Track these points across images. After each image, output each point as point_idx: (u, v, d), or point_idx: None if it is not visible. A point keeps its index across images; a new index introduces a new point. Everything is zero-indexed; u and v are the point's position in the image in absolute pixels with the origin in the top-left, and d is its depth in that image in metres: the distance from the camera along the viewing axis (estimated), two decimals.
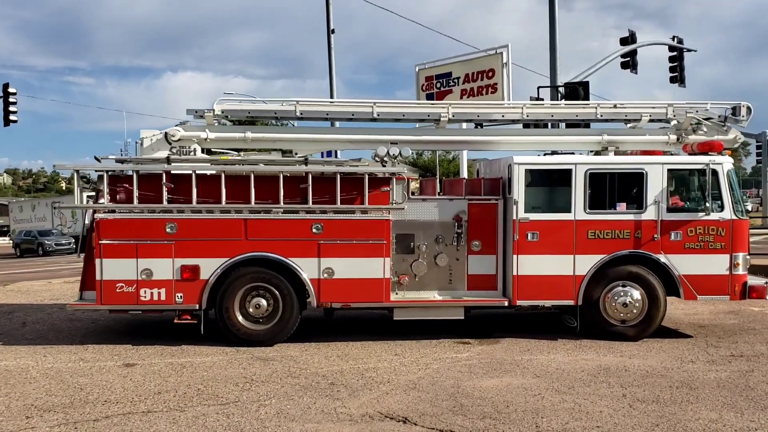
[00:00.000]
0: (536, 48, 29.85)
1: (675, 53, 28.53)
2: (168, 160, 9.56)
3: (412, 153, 10.51)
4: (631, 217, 9.91)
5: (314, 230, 9.55)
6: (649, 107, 11.05)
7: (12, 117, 32.19)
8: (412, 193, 10.57)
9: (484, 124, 11.19)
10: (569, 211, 9.89)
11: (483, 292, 10.13)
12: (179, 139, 10.23)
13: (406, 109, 10.74)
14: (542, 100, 18.85)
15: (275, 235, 9.54)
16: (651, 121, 11.07)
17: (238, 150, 11.28)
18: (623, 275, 9.98)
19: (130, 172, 9.54)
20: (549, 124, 12.26)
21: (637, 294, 9.92)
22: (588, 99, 18.38)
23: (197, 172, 9.59)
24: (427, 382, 7.79)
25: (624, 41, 26.00)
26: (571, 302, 9.95)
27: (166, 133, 10.23)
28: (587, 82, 20.65)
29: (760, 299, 10.25)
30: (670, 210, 9.99)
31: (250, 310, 9.63)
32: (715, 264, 9.96)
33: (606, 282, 9.97)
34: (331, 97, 21.35)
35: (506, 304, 9.95)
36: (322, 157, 11.82)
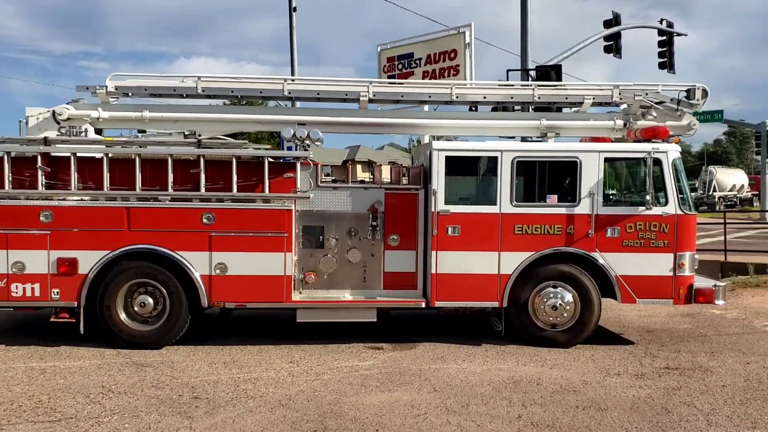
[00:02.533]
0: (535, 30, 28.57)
1: (664, 37, 27.27)
2: (45, 141, 8.57)
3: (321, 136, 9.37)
4: (562, 210, 8.88)
5: (205, 220, 8.56)
6: (593, 89, 10.01)
7: None
8: (342, 181, 9.41)
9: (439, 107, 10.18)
10: (494, 204, 8.86)
11: (401, 291, 9.12)
12: (68, 118, 9.23)
13: (320, 86, 9.70)
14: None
15: (162, 226, 8.55)
16: (597, 104, 10.03)
17: (144, 132, 10.29)
18: (554, 275, 8.96)
19: (2, 154, 8.55)
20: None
21: (568, 296, 8.91)
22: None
23: (79, 154, 8.60)
24: (304, 398, 6.82)
25: (608, 23, 24.82)
26: (495, 304, 8.95)
27: (53, 112, 9.23)
28: (560, 66, 19.51)
29: (708, 303, 9.21)
30: (606, 203, 8.97)
31: (135, 308, 8.67)
32: (657, 264, 8.93)
33: (535, 282, 8.96)
34: (293, 75, 20.32)
35: (423, 305, 8.94)
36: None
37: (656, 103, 9.85)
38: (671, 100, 9.80)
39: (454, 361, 8.27)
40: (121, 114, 9.50)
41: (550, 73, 18.58)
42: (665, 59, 27.21)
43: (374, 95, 9.62)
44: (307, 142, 8.81)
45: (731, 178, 58.23)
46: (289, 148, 9.37)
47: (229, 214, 8.59)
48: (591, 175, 8.86)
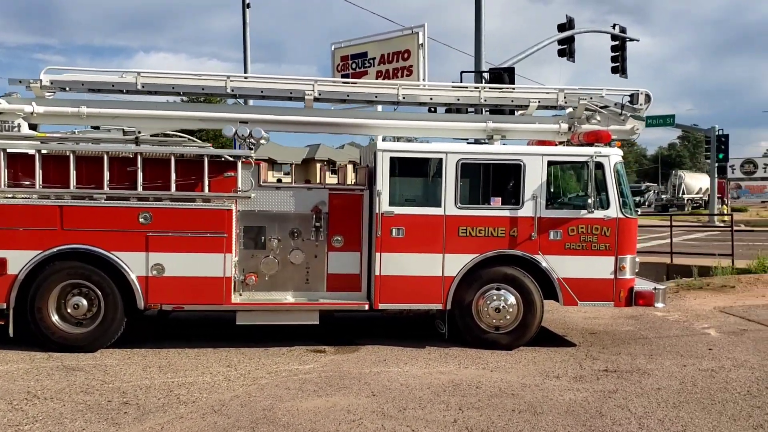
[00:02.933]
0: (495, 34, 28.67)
1: (617, 42, 27.66)
2: None
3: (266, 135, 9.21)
4: (506, 213, 8.88)
5: (141, 220, 8.32)
6: (538, 92, 10.04)
7: None
8: (279, 181, 9.34)
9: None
10: (439, 206, 8.81)
11: (345, 293, 9.01)
12: (0, 113, 8.88)
13: (264, 84, 9.52)
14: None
15: (97, 226, 8.29)
16: (543, 108, 10.05)
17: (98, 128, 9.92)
18: (498, 277, 8.95)
19: None
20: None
21: (511, 298, 8.92)
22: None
23: (9, 151, 8.28)
24: (238, 403, 6.66)
25: (561, 27, 25.08)
26: (439, 306, 8.90)
27: None
28: (512, 68, 19.59)
29: (648, 306, 9.30)
30: (549, 206, 8.99)
31: (69, 310, 8.39)
32: (599, 267, 8.99)
33: (479, 284, 8.94)
34: (245, 72, 20.04)
35: (366, 308, 8.84)
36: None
37: (601, 107, 9.95)
38: (615, 104, 9.90)
39: (396, 364, 8.19)
40: (57, 109, 9.17)
41: (503, 75, 18.60)
42: (618, 63, 27.57)
43: (320, 94, 9.47)
44: (252, 140, 8.65)
45: (698, 182, 61.38)
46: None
47: (167, 213, 8.38)
48: (534, 178, 8.88)
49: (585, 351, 9.04)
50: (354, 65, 18.29)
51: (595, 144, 9.08)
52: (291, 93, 9.53)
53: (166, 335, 9.42)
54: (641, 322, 11.08)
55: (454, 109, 10.98)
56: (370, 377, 7.59)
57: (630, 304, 9.11)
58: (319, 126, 9.70)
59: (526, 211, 8.86)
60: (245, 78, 9.60)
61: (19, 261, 8.18)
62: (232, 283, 8.59)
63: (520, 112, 10.24)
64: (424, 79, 16.94)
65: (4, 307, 8.22)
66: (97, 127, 10.01)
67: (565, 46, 25.19)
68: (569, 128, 9.77)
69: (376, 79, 17.58)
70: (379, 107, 10.72)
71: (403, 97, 9.65)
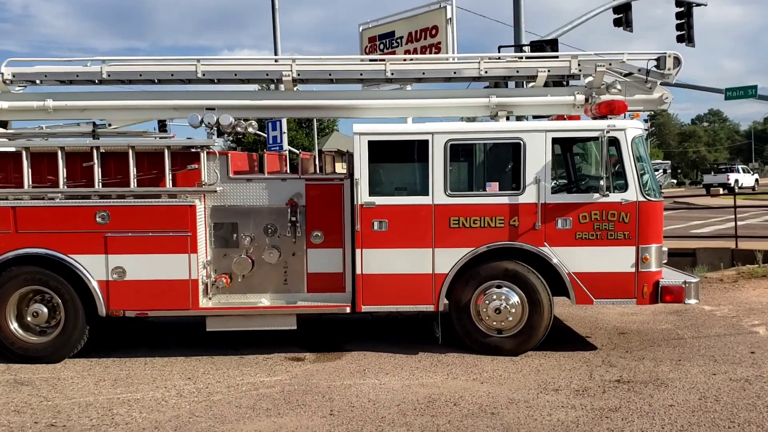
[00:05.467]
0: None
1: (682, 9, 25.54)
2: None
3: (254, 123, 8.43)
4: (505, 200, 7.75)
5: (99, 219, 7.66)
6: (548, 61, 8.82)
7: None
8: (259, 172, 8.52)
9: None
10: (426, 194, 7.77)
11: (327, 294, 8.10)
12: None
13: (238, 66, 8.69)
14: None
15: (52, 227, 7.68)
16: (553, 78, 8.83)
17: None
18: (498, 274, 7.85)
19: None
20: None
21: (514, 297, 7.80)
22: None
23: None
24: (174, 425, 5.89)
25: None
26: (430, 308, 7.87)
27: None
28: (555, 41, 18.25)
29: (677, 303, 7.99)
30: (555, 190, 7.81)
31: (29, 318, 7.85)
32: (617, 259, 7.76)
33: (476, 282, 7.87)
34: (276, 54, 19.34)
35: (348, 310, 7.91)
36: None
37: (625, 75, 8.66)
38: (639, 70, 8.58)
39: (375, 375, 7.24)
40: (23, 104, 8.63)
41: (545, 48, 17.30)
42: (683, 32, 25.47)
43: (299, 74, 8.56)
44: (216, 129, 7.87)
45: None
46: (206, 135, 8.34)
47: (125, 211, 7.69)
48: (537, 159, 7.71)
49: (604, 356, 7.84)
50: (382, 45, 17.34)
51: (610, 116, 7.83)
52: (267, 74, 8.67)
53: (145, 341, 8.78)
54: (683, 319, 9.70)
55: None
56: (338, 392, 6.68)
57: (655, 301, 7.83)
58: (295, 110, 8.82)
59: (528, 197, 7.71)
60: (218, 61, 8.76)
61: None
62: (200, 286, 7.82)
63: (531, 84, 9.04)
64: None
65: None
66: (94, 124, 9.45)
67: (621, 15, 23.33)
68: (586, 100, 8.52)
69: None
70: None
71: (392, 73, 8.60)
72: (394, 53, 16.94)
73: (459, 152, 7.79)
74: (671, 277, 8.05)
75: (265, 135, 20.60)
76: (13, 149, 7.88)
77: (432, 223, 7.75)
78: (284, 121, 19.45)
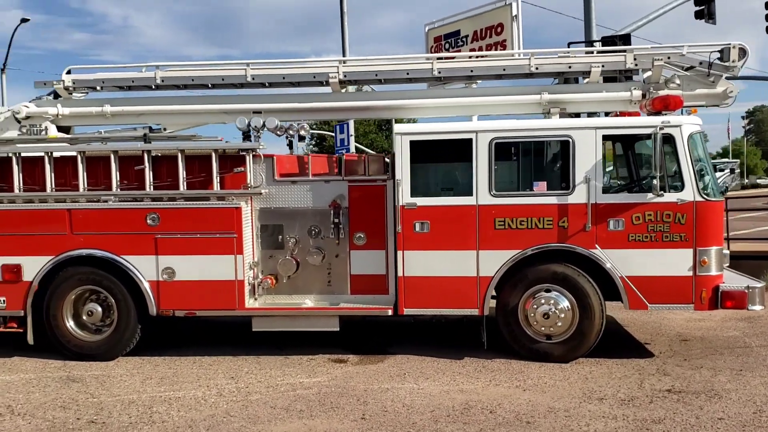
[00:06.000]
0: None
1: None
2: None
3: (306, 126, 8.47)
4: (553, 200, 7.47)
5: (149, 221, 7.86)
6: (601, 56, 8.46)
7: None
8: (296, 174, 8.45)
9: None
10: (470, 194, 7.58)
11: (371, 297, 8.04)
12: (27, 117, 8.82)
13: (286, 69, 8.75)
14: None
15: (105, 229, 7.94)
16: (608, 74, 8.47)
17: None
18: (547, 277, 7.58)
19: None
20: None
21: (563, 302, 7.51)
22: None
23: (22, 155, 8.15)
24: (207, 425, 5.96)
25: None
26: (474, 311, 7.67)
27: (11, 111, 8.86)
28: (628, 35, 17.49)
29: (739, 309, 7.49)
30: (607, 190, 7.47)
31: (84, 317, 8.13)
32: (673, 262, 7.35)
33: (525, 285, 7.62)
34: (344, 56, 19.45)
35: (390, 313, 7.81)
36: None
37: (686, 69, 8.22)
38: (701, 63, 8.12)
39: (415, 379, 7.11)
40: (82, 109, 8.97)
41: (617, 43, 16.65)
42: None
43: (345, 76, 8.55)
44: (261, 132, 7.95)
45: None
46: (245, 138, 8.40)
47: (174, 214, 7.86)
48: (587, 157, 7.40)
49: (659, 364, 7.44)
50: (447, 45, 17.11)
51: (664, 112, 7.43)
52: (314, 77, 8.69)
53: (195, 340, 8.96)
54: (754, 326, 9.13)
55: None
56: (375, 395, 6.59)
57: (715, 307, 7.37)
58: (342, 111, 8.81)
59: (578, 197, 7.41)
60: (267, 64, 8.83)
61: (32, 267, 8.01)
62: (246, 287, 7.90)
63: (587, 80, 8.70)
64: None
65: (22, 314, 8.08)
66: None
67: (703, 6, 22.23)
68: (643, 95, 8.13)
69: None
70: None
71: (439, 72, 8.48)
72: (459, 52, 16.71)
73: (504, 151, 7.55)
74: (734, 281, 7.57)
75: (333, 136, 20.73)
76: (71, 153, 8.16)
77: (476, 224, 7.56)
78: (351, 123, 19.51)
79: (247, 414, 6.19)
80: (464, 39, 16.78)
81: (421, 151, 7.65)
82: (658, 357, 7.75)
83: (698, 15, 22.63)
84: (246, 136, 8.01)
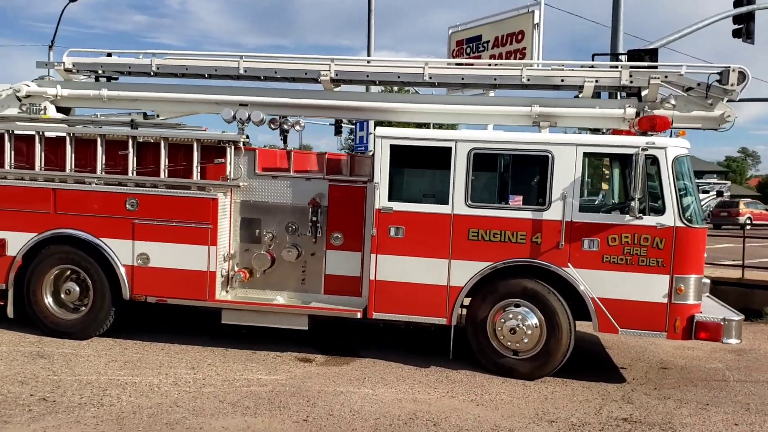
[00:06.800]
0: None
1: None
2: None
3: (302, 121, 8.52)
4: (528, 215, 7.34)
5: (128, 206, 7.96)
6: (596, 71, 8.28)
7: None
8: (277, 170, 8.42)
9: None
10: (446, 203, 7.50)
11: (344, 298, 8.02)
12: (27, 95, 9.02)
13: (278, 64, 8.76)
14: None
15: (87, 210, 8.07)
16: (602, 88, 8.30)
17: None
18: (517, 292, 7.46)
19: None
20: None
21: (532, 318, 7.38)
22: None
23: (16, 132, 8.33)
24: (151, 413, 6.01)
25: (738, 2, 21.50)
26: (442, 320, 7.60)
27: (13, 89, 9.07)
28: (656, 50, 17.08)
29: (714, 341, 7.24)
30: (584, 209, 7.30)
31: (62, 295, 8.29)
32: (648, 287, 7.16)
33: (494, 299, 7.52)
34: (368, 55, 19.45)
35: (359, 316, 7.78)
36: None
37: (686, 90, 8.00)
38: (699, 85, 7.89)
39: (373, 385, 7.07)
40: (80, 92, 9.14)
41: (643, 58, 16.31)
42: None
43: (336, 74, 8.53)
44: (245, 125, 7.98)
45: None
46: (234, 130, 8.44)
47: (151, 200, 7.95)
48: (566, 173, 7.25)
49: (627, 390, 7.26)
50: (468, 49, 17.00)
51: (650, 132, 7.24)
52: (306, 73, 8.70)
53: (177, 327, 9.04)
54: (742, 359, 8.86)
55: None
56: (326, 398, 6.57)
57: (689, 337, 7.16)
58: (330, 110, 8.80)
59: (554, 213, 7.27)
60: (260, 58, 8.86)
61: (16, 243, 8.20)
62: (218, 279, 7.95)
63: (583, 93, 8.51)
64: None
65: (4, 287, 8.27)
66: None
67: (742, 26, 21.57)
68: (637, 114, 7.94)
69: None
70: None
71: (430, 77, 8.43)
72: (479, 57, 16.56)
73: (483, 162, 7.45)
74: (713, 311, 7.34)
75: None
76: (62, 134, 8.30)
77: (450, 233, 7.48)
78: (371, 122, 19.51)
79: (193, 405, 6.23)
80: (485, 44, 16.64)
81: (401, 155, 7.59)
82: (629, 383, 7.56)
83: (736, 34, 21.96)
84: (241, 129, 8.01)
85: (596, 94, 9.30)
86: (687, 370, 8.21)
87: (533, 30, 15.30)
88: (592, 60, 15.37)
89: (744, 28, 21.49)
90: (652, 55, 16.89)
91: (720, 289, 15.52)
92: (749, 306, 13.96)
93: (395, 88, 24.08)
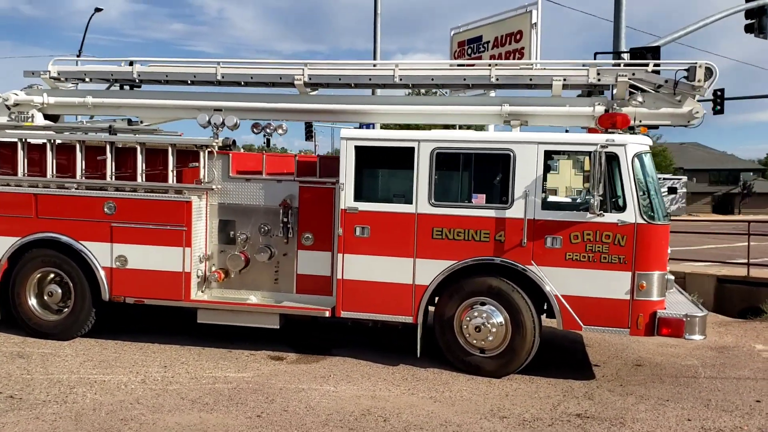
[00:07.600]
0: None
1: None
2: None
3: (284, 125, 8.70)
4: (491, 213, 7.40)
5: (106, 210, 8.19)
6: (564, 68, 8.30)
7: None
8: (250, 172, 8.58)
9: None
10: (410, 202, 7.59)
11: (315, 297, 8.15)
12: (16, 104, 9.33)
13: (254, 70, 8.95)
14: None
15: (67, 214, 8.32)
16: (571, 87, 8.32)
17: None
18: (482, 290, 7.52)
19: None
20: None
21: (497, 316, 7.43)
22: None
23: (0, 140, 8.63)
24: (109, 409, 6.22)
25: None
26: (408, 319, 7.68)
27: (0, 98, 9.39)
28: (658, 48, 16.96)
29: (676, 337, 7.21)
30: (546, 206, 7.33)
31: (46, 297, 8.56)
32: (610, 284, 7.16)
33: (461, 297, 7.58)
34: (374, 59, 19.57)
35: (327, 314, 7.89)
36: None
37: (657, 87, 7.99)
38: (666, 81, 7.87)
39: (336, 382, 7.18)
40: (66, 99, 9.42)
41: (645, 56, 16.18)
42: None
43: (310, 78, 8.68)
44: (222, 129, 8.16)
45: None
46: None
47: (128, 204, 8.16)
48: (527, 172, 7.29)
49: (592, 387, 7.27)
50: (469, 50, 16.99)
51: (610, 130, 7.25)
52: (281, 78, 8.86)
53: (161, 327, 9.24)
54: (721, 356, 8.77)
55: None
56: (286, 395, 6.70)
57: (652, 333, 7.15)
58: (304, 113, 8.94)
59: (516, 211, 7.31)
60: (236, 64, 9.05)
61: (1, 246, 8.47)
62: (194, 279, 8.14)
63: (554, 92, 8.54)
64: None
65: None
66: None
67: (754, 20, 21.23)
68: (606, 111, 7.94)
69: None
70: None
71: (401, 79, 8.51)
72: (480, 58, 16.56)
73: (446, 161, 7.52)
74: (677, 308, 7.31)
75: None
76: (43, 141, 8.57)
77: (414, 232, 7.56)
78: (377, 125, 19.61)
79: (154, 403, 6.41)
80: (485, 45, 16.63)
81: (366, 156, 7.70)
82: (597, 380, 7.57)
83: (748, 29, 21.64)
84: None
85: (587, 93, 9.35)
86: (660, 367, 8.17)
87: (531, 29, 15.26)
88: (594, 59, 15.38)
89: (756, 23, 21.18)
90: (654, 52, 16.81)
91: (725, 287, 15.45)
92: (754, 303, 13.82)
93: (422, 91, 24.34)
